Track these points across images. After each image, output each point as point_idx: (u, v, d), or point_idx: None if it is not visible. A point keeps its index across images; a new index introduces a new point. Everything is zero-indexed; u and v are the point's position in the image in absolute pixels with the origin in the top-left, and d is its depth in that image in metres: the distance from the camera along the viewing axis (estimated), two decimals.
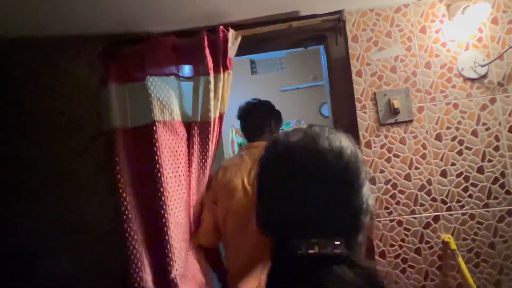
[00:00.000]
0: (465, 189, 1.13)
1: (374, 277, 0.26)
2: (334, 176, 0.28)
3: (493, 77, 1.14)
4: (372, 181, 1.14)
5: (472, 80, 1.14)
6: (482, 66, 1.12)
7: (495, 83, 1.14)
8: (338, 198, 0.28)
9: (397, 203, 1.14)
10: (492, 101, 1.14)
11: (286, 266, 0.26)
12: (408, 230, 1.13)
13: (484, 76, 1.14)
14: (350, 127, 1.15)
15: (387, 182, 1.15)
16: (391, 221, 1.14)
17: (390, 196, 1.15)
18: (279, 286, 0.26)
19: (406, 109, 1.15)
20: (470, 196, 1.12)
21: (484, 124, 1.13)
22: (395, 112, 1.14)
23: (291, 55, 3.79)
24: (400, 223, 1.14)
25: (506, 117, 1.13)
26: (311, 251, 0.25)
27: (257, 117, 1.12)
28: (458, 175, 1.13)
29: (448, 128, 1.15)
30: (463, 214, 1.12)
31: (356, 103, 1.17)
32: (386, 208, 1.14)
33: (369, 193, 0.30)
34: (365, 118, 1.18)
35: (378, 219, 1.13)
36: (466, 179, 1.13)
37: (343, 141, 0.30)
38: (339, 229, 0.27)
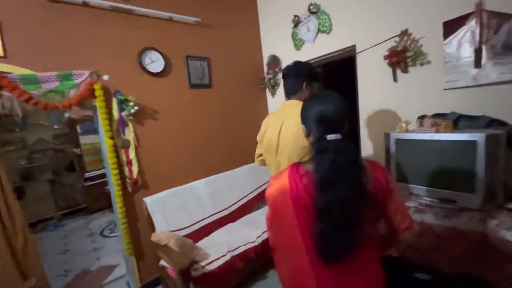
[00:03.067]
0: None
1: (351, 144, 0.76)
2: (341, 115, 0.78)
3: None
4: None
5: None
6: None
7: None
8: (342, 122, 0.78)
9: None
10: None
11: (321, 146, 0.75)
12: None
13: None
14: None
15: None
16: None
17: None
18: (320, 153, 0.75)
19: None
20: None
21: None
22: None
23: None
24: None
25: None
26: (330, 138, 0.75)
27: (290, 78, 1.33)
28: None
29: None
30: None
31: None
32: None
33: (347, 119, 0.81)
34: None
35: None
36: None
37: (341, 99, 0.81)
38: (340, 130, 0.76)
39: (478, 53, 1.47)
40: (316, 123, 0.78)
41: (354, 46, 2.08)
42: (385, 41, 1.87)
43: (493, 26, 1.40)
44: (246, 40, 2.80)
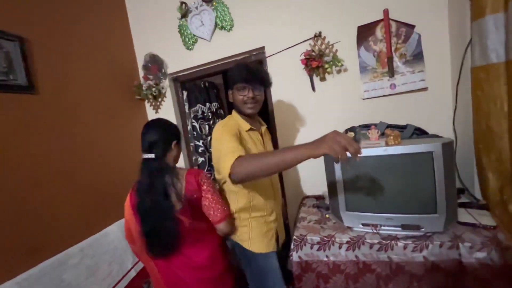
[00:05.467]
0: None
1: (165, 166, 1.00)
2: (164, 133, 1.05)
3: None
4: None
5: None
6: None
7: None
8: (156, 145, 1.01)
9: None
10: None
11: (141, 162, 1.02)
12: None
13: None
14: None
15: None
16: None
17: None
18: (140, 168, 1.01)
19: None
20: None
21: None
22: None
23: None
24: None
25: None
26: (145, 156, 1.01)
27: None
28: None
29: None
30: None
31: None
32: None
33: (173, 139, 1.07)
34: None
35: None
36: None
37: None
38: (154, 151, 1.00)
39: (390, 61, 1.42)
40: (141, 145, 1.03)
41: (263, 48, 1.71)
42: (298, 44, 1.60)
43: (402, 34, 1.38)
44: (107, 28, 1.85)
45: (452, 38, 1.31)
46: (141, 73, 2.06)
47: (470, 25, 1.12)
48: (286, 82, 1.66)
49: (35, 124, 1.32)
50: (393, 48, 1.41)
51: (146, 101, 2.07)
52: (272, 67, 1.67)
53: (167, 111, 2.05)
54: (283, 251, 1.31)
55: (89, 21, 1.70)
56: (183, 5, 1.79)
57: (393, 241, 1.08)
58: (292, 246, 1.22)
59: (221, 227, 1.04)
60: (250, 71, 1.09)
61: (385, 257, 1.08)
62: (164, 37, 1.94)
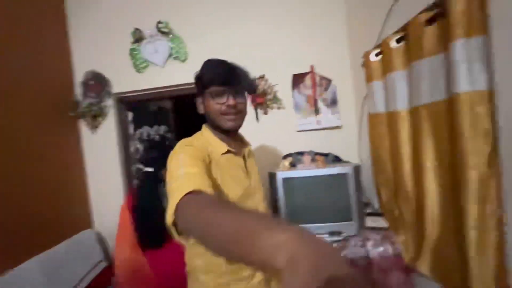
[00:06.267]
0: None
1: (161, 177, 1.67)
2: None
3: None
4: None
5: None
6: None
7: None
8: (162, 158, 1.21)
9: None
10: None
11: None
12: None
13: None
14: None
15: None
16: None
17: None
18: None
19: None
20: None
21: None
22: None
23: None
24: None
25: None
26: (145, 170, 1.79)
27: None
28: None
29: None
30: None
31: None
32: None
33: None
34: None
35: None
36: None
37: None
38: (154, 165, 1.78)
39: (315, 104, 1.84)
40: (141, 160, 1.39)
41: None
42: None
43: (323, 84, 1.83)
44: (41, 35, 1.70)
45: (355, 92, 1.82)
46: (78, 90, 1.92)
47: (366, 85, 1.62)
48: None
49: None
50: (317, 94, 1.83)
51: (83, 119, 1.90)
52: None
53: (107, 131, 1.94)
54: None
55: (22, 23, 1.55)
56: (137, 31, 1.85)
57: None
58: None
59: None
60: (230, 69, 0.78)
61: None
62: (112, 56, 1.91)
